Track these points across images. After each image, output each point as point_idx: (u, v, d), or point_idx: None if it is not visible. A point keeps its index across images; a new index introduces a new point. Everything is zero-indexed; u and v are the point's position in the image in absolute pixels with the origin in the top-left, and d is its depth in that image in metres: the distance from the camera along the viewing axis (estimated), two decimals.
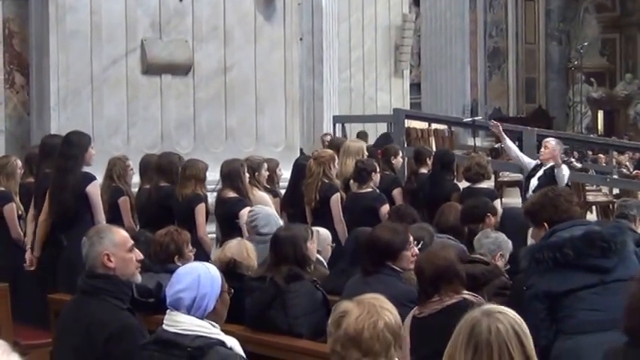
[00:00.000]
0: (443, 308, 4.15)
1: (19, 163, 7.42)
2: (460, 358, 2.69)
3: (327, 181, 7.75)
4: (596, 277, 4.08)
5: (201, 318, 3.47)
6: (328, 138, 13.46)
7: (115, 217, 7.14)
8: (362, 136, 13.13)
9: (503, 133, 9.67)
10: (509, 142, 9.63)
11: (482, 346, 2.67)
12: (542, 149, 9.09)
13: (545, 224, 4.40)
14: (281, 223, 6.39)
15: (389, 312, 3.01)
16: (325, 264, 6.28)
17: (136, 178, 7.74)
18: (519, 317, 2.76)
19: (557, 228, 4.27)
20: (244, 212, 6.77)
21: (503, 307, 2.81)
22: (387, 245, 4.84)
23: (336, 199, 7.70)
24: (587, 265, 4.10)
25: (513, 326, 2.70)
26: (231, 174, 7.23)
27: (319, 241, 5.98)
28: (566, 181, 8.69)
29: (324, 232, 6.27)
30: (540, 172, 8.91)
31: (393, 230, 4.97)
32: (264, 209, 6.61)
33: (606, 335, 3.93)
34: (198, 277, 3.49)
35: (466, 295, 4.25)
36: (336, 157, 8.01)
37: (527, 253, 4.38)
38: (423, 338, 4.08)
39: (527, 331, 2.72)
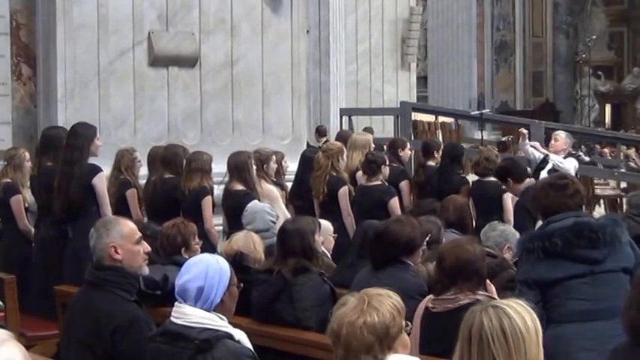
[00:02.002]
0: (455, 308, 4.06)
1: (28, 155, 7.41)
2: (457, 347, 2.69)
3: (335, 174, 7.74)
4: (585, 267, 4.09)
5: (209, 310, 3.46)
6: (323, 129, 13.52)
7: (123, 209, 7.14)
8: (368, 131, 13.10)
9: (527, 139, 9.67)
10: (527, 147, 9.63)
11: (465, 338, 2.65)
12: (553, 141, 9.09)
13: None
14: (273, 218, 6.35)
15: (377, 311, 2.92)
16: (329, 255, 6.28)
17: (144, 170, 7.74)
18: (526, 317, 2.67)
19: (552, 219, 4.29)
20: (248, 206, 6.78)
21: (515, 303, 2.72)
22: (408, 241, 4.83)
23: (344, 192, 7.69)
24: (576, 255, 4.11)
25: (502, 324, 2.63)
26: (238, 166, 7.22)
27: (321, 233, 5.96)
28: (574, 173, 8.70)
29: (324, 223, 6.24)
30: (550, 166, 8.92)
31: (412, 225, 4.94)
32: (256, 206, 6.59)
33: (594, 324, 3.95)
34: (206, 268, 3.49)
35: (480, 296, 4.16)
36: (345, 150, 7.99)
37: (519, 243, 4.41)
38: (433, 335, 4.05)
39: (524, 334, 2.64)
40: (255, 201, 6.86)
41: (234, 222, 6.93)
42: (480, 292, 4.19)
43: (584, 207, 4.48)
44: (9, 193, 7.20)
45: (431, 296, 4.34)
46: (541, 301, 4.11)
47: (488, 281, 4.31)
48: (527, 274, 4.21)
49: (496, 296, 4.18)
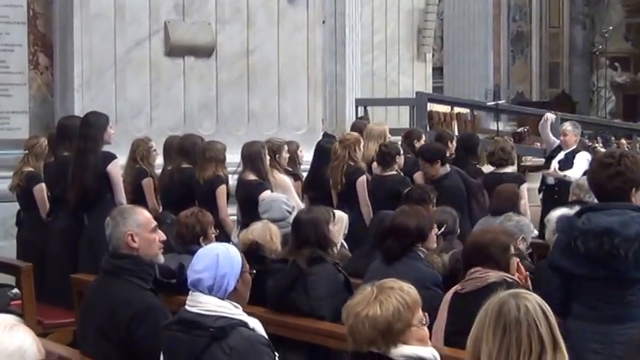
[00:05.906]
0: (484, 286, 4.05)
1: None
2: (488, 339, 2.65)
3: (352, 164, 7.72)
4: (608, 271, 3.92)
5: (223, 298, 3.48)
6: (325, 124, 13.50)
7: (139, 198, 7.17)
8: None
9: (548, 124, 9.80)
10: (547, 131, 9.75)
11: (512, 325, 2.64)
12: (562, 137, 9.13)
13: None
14: (289, 208, 6.35)
15: (381, 305, 2.92)
16: (346, 246, 6.30)
17: (159, 160, 7.76)
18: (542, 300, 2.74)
19: (593, 207, 4.09)
20: (264, 195, 6.79)
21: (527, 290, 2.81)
22: (417, 230, 4.88)
23: (362, 181, 7.67)
24: (598, 261, 3.92)
25: (541, 305, 2.69)
26: (251, 156, 7.21)
27: (343, 224, 5.99)
28: (586, 167, 8.68)
29: (339, 214, 6.25)
30: (561, 156, 8.93)
31: (417, 214, 4.98)
32: (272, 195, 6.61)
33: (605, 328, 3.88)
34: (216, 258, 3.51)
35: (506, 277, 4.17)
36: (362, 140, 7.97)
37: (556, 223, 4.26)
38: (461, 313, 4.04)
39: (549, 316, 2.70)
40: (268, 192, 6.87)
41: (247, 212, 6.94)
42: (503, 274, 4.19)
43: (633, 190, 3.97)
44: (32, 181, 7.26)
45: (458, 286, 4.34)
46: (561, 287, 4.05)
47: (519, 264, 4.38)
48: (553, 260, 4.13)
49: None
